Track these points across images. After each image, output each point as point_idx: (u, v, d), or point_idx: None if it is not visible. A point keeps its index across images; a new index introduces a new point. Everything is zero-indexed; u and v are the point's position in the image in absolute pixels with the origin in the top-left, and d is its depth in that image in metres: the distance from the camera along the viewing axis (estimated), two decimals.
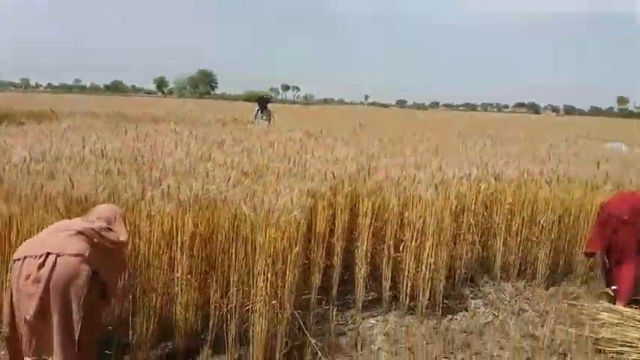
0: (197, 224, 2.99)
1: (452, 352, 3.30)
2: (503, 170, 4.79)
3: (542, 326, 3.73)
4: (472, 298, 4.24)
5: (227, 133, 6.54)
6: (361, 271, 3.82)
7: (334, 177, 3.97)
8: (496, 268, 4.56)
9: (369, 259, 3.86)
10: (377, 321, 3.71)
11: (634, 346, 3.26)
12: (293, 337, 3.03)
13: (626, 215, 3.92)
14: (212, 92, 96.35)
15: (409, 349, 3.32)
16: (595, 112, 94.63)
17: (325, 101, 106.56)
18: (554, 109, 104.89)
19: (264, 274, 2.82)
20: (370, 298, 3.96)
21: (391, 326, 3.62)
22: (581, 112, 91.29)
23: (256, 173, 3.84)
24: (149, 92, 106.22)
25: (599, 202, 4.36)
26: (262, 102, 10.21)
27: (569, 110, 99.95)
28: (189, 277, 2.96)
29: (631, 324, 3.39)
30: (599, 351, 3.35)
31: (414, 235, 3.75)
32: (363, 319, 3.72)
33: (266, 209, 2.90)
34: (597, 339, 3.41)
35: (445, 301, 3.93)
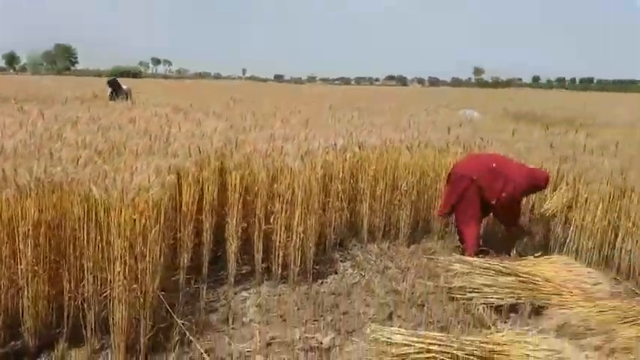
0: (41, 210, 2.72)
1: (321, 315, 3.42)
2: (366, 139, 5.01)
3: (403, 281, 4.01)
4: (341, 261, 4.43)
5: (84, 111, 6.05)
6: (232, 246, 3.79)
7: (200, 152, 3.85)
8: (363, 231, 4.82)
9: (240, 234, 3.83)
10: (250, 294, 3.72)
11: (480, 292, 3.64)
12: (160, 320, 2.91)
13: (475, 175, 4.29)
14: (72, 68, 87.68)
15: (281, 316, 3.39)
16: (456, 83, 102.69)
17: (200, 75, 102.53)
18: (420, 81, 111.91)
19: (121, 258, 2.66)
20: (243, 271, 3.96)
21: (264, 297, 3.66)
22: (444, 83, 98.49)
23: (112, 152, 3.58)
24: None
25: (449, 163, 4.78)
26: (112, 84, 8.93)
27: (434, 82, 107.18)
28: (35, 268, 2.70)
29: (477, 272, 3.77)
30: (452, 299, 3.69)
31: (284, 205, 3.79)
32: (236, 293, 3.70)
33: (119, 189, 2.71)
34: (450, 288, 3.74)
35: (316, 267, 4.06)
